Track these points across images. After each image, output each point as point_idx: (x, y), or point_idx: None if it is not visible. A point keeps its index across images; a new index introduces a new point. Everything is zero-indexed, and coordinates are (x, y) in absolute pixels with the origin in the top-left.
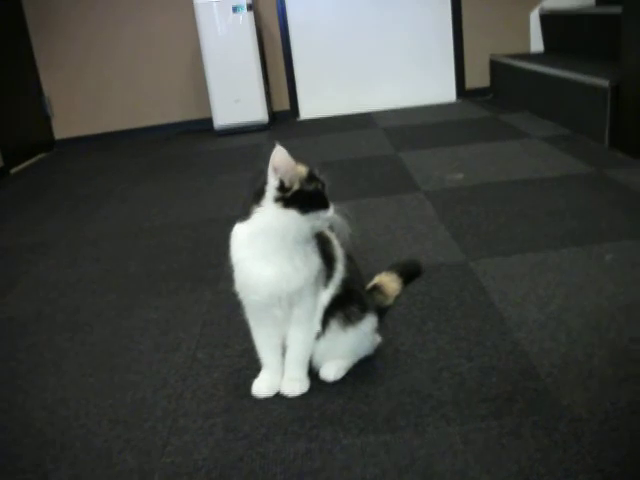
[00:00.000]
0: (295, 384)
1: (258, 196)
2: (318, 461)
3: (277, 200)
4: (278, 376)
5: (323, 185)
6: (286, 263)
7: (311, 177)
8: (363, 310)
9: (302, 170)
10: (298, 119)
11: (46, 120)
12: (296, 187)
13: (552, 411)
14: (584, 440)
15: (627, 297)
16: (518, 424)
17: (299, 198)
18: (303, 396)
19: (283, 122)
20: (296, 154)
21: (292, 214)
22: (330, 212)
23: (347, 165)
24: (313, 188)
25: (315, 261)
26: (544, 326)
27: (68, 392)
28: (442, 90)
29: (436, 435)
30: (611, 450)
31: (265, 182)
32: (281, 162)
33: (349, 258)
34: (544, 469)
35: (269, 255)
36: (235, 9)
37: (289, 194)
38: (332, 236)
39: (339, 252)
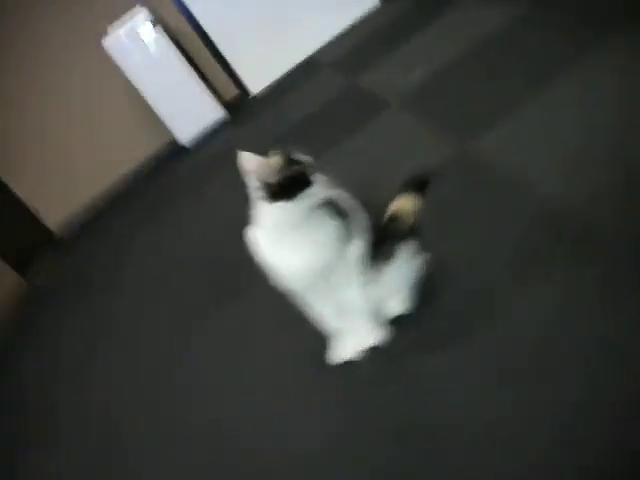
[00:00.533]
0: (370, 335)
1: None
2: (425, 383)
3: (264, 198)
4: (350, 338)
5: (305, 165)
6: (305, 245)
7: (289, 162)
8: (397, 242)
9: (276, 161)
10: (250, 97)
11: (34, 220)
12: (274, 180)
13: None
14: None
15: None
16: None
17: (282, 188)
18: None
19: (240, 107)
20: (266, 135)
21: (282, 204)
22: (316, 187)
23: (314, 118)
24: (294, 173)
25: (332, 227)
26: (562, 173)
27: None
28: (363, 0)
29: (517, 314)
30: None
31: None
32: (249, 165)
33: (363, 204)
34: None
35: (286, 245)
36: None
37: (271, 189)
38: (341, 192)
39: (353, 204)
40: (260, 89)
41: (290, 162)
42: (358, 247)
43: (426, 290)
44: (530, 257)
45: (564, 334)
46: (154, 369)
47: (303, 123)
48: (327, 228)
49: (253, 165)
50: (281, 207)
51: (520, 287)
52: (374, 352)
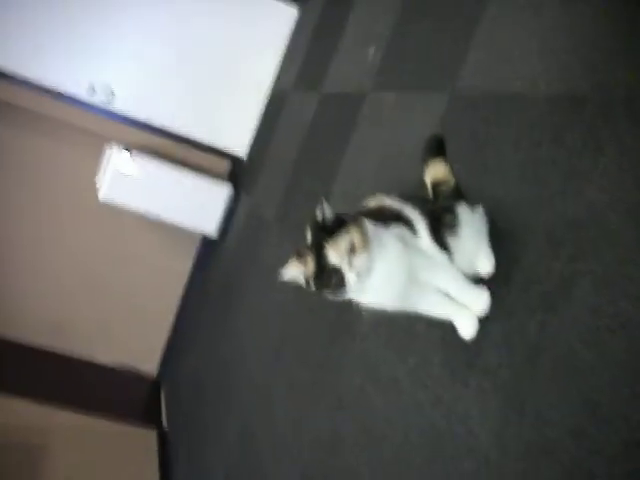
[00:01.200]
0: (478, 302)
1: None
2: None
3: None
4: (467, 312)
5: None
6: (378, 276)
7: (320, 265)
8: (451, 209)
9: (309, 264)
10: (244, 159)
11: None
12: (311, 284)
13: None
14: None
15: None
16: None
17: (320, 287)
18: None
19: (241, 174)
20: (277, 185)
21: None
22: (352, 284)
23: (307, 142)
24: (326, 276)
25: (391, 242)
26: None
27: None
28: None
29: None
30: None
31: None
32: (291, 275)
33: (403, 195)
34: None
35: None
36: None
37: (312, 288)
38: (381, 196)
39: (395, 201)
40: (247, 147)
41: (321, 266)
42: (424, 236)
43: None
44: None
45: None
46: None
47: (301, 153)
48: (389, 243)
49: (291, 274)
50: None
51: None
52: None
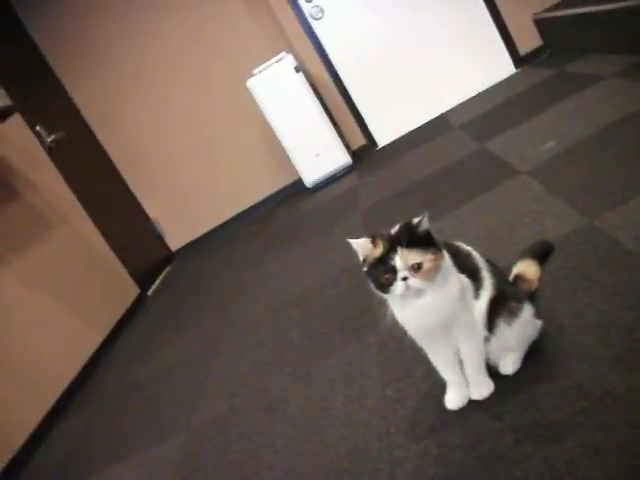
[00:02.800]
0: (482, 388)
1: None
2: (529, 447)
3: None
4: (463, 387)
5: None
6: (421, 303)
7: (383, 258)
8: (520, 301)
9: (376, 251)
10: (377, 148)
11: (159, 239)
12: (367, 266)
13: None
14: None
15: None
16: None
17: (371, 274)
18: (492, 395)
19: (365, 156)
20: (385, 186)
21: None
22: (397, 291)
23: (441, 174)
24: (382, 270)
25: (454, 284)
26: None
27: (291, 462)
28: (499, 66)
29: (624, 388)
30: None
31: None
32: (357, 247)
33: (490, 262)
34: None
35: (404, 302)
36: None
37: (364, 269)
38: (471, 249)
39: (480, 261)
40: (387, 141)
41: (386, 258)
42: (482, 303)
43: (535, 355)
44: None
45: None
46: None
47: (427, 179)
48: (452, 282)
49: (358, 247)
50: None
51: (630, 381)
52: (483, 403)
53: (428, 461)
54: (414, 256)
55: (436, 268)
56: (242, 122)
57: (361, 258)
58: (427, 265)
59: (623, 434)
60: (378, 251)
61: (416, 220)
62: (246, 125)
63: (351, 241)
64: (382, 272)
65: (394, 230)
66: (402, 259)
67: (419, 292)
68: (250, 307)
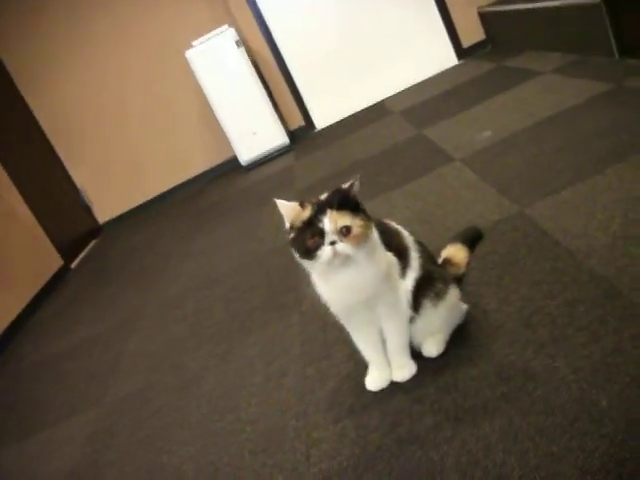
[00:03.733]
0: (404, 370)
1: None
2: (448, 430)
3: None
4: (385, 368)
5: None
6: (346, 277)
7: (312, 220)
8: (446, 284)
9: (304, 214)
10: (315, 130)
11: (87, 210)
12: (293, 232)
13: None
14: None
15: None
16: (617, 341)
17: (296, 240)
18: (414, 377)
19: (303, 138)
20: (322, 167)
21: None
22: (323, 256)
23: (378, 158)
24: (309, 233)
25: (380, 261)
26: (613, 247)
27: (204, 439)
28: (442, 57)
29: (546, 374)
30: None
31: None
32: (284, 210)
33: (419, 243)
34: None
35: (329, 276)
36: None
37: (290, 236)
38: (400, 228)
39: (409, 240)
40: (326, 124)
41: (314, 221)
42: (408, 284)
43: (459, 339)
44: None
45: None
46: (183, 375)
47: (364, 162)
48: (380, 258)
49: (285, 210)
50: (296, 255)
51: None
52: (404, 385)
53: (345, 442)
54: (344, 219)
55: (364, 235)
56: (179, 95)
57: (287, 224)
58: (356, 230)
59: (541, 420)
60: (306, 213)
61: (347, 184)
62: (183, 98)
63: (278, 202)
64: (309, 236)
65: (323, 196)
66: (331, 221)
67: (346, 261)
68: (175, 283)
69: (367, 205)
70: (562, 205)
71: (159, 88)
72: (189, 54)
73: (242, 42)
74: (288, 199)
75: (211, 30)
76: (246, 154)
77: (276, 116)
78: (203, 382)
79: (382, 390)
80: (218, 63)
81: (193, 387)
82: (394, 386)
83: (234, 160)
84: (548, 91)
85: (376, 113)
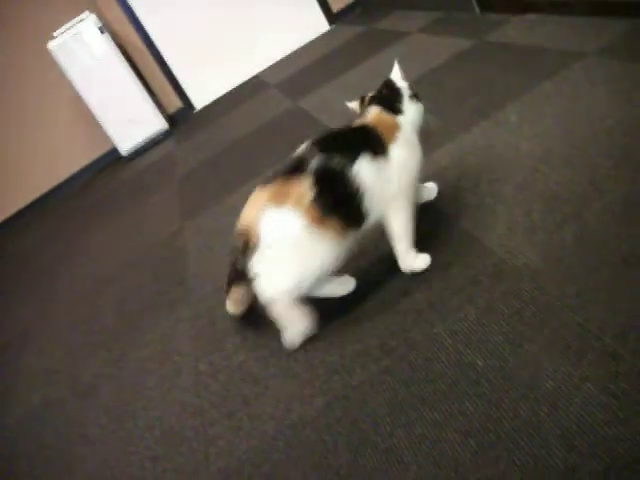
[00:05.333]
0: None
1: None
2: (338, 410)
3: (411, 97)
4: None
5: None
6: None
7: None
8: None
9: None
10: (195, 111)
11: None
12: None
13: (514, 276)
14: (548, 288)
15: (543, 147)
16: (489, 299)
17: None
18: (304, 360)
19: (183, 120)
20: (202, 149)
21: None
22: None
23: (257, 135)
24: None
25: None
26: (480, 205)
27: (104, 453)
28: (313, 24)
29: (426, 341)
30: (570, 284)
31: (395, 89)
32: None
33: None
34: (524, 327)
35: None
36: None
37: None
38: None
39: None
40: (205, 104)
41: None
42: None
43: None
44: None
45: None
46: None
47: (243, 140)
48: None
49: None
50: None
51: None
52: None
53: (241, 435)
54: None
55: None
56: (46, 90)
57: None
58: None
59: (423, 388)
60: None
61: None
62: (51, 92)
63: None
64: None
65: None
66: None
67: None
68: (66, 287)
69: (245, 187)
70: (435, 165)
71: (25, 85)
72: (51, 46)
73: (106, 27)
74: (169, 187)
75: (71, 18)
76: (125, 144)
77: (151, 101)
78: (100, 392)
79: (272, 378)
80: (82, 52)
81: (90, 398)
82: (287, 371)
83: (114, 151)
84: (415, 51)
85: (252, 88)
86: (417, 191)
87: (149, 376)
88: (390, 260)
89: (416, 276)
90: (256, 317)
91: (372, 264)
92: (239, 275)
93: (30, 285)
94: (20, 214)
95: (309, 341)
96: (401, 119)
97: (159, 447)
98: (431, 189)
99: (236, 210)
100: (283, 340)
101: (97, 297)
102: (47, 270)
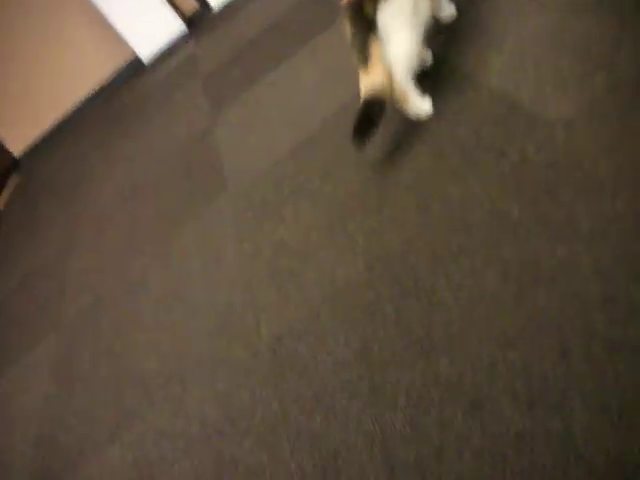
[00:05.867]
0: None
1: None
2: None
3: None
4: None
5: None
6: None
7: None
8: None
9: None
10: (213, 11)
11: None
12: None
13: (547, 127)
14: (582, 137)
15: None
16: (522, 152)
17: None
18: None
19: (202, 22)
20: (222, 49)
21: None
22: None
23: (275, 27)
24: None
25: None
26: (508, 62)
27: (161, 335)
28: None
29: (462, 197)
30: (603, 132)
31: None
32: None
33: None
34: (558, 175)
35: None
36: None
37: None
38: None
39: None
40: (221, 3)
41: None
42: None
43: None
44: None
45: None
46: (124, 278)
47: (262, 34)
48: None
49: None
50: None
51: None
52: None
53: (289, 303)
54: None
55: None
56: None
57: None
58: None
59: (462, 239)
60: None
61: None
62: (65, 6)
63: None
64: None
65: None
66: None
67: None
68: (102, 196)
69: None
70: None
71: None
72: None
73: None
74: (194, 87)
75: None
76: (144, 49)
77: (167, 3)
78: (148, 283)
79: (315, 248)
80: None
81: (140, 290)
82: (327, 241)
83: (136, 61)
84: None
85: None
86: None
87: (194, 262)
88: (420, 127)
89: (448, 138)
90: (289, 194)
91: (401, 133)
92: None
93: (70, 199)
94: (51, 134)
95: (343, 208)
96: None
97: (211, 324)
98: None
99: (264, 101)
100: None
101: (135, 199)
102: (85, 179)
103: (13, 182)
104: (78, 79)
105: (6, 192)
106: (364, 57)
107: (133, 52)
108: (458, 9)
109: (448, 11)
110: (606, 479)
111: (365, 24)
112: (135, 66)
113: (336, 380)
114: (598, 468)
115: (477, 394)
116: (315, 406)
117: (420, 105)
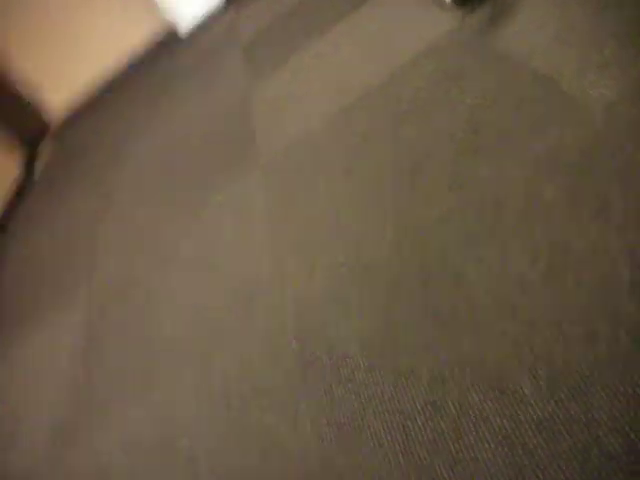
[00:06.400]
0: None
1: None
2: None
3: None
4: None
5: None
6: None
7: None
8: None
9: None
10: None
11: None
12: None
13: (587, 109)
14: (621, 120)
15: None
16: (560, 135)
17: None
18: None
19: None
20: (261, 15)
21: None
22: None
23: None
24: None
25: None
26: (549, 45)
27: (187, 299)
28: None
29: (495, 179)
30: None
31: None
32: None
33: None
34: (594, 159)
35: None
36: None
37: None
38: None
39: None
40: None
41: None
42: None
43: None
44: None
45: None
46: (158, 240)
47: (306, 4)
48: None
49: None
50: None
51: None
52: None
53: (314, 277)
54: None
55: None
56: None
57: None
58: None
59: (492, 222)
60: None
61: None
62: None
63: None
64: None
65: None
66: None
67: None
68: (139, 163)
69: (316, 45)
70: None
71: None
72: None
73: None
74: (235, 56)
75: None
76: (183, 20)
77: None
78: (180, 250)
79: (347, 221)
80: None
81: (172, 257)
82: (355, 217)
83: (175, 30)
84: None
85: None
86: None
87: (224, 231)
88: (459, 103)
89: (485, 116)
90: (322, 165)
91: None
92: None
93: (106, 163)
94: (90, 100)
95: (375, 184)
96: None
97: (240, 287)
98: None
99: (302, 71)
100: None
101: (169, 171)
102: (111, 156)
103: (50, 147)
104: (119, 46)
105: (44, 157)
106: None
107: (173, 20)
108: None
109: None
110: (626, 465)
111: None
112: (174, 35)
113: (360, 353)
114: (618, 454)
115: (499, 376)
116: (334, 378)
117: None
